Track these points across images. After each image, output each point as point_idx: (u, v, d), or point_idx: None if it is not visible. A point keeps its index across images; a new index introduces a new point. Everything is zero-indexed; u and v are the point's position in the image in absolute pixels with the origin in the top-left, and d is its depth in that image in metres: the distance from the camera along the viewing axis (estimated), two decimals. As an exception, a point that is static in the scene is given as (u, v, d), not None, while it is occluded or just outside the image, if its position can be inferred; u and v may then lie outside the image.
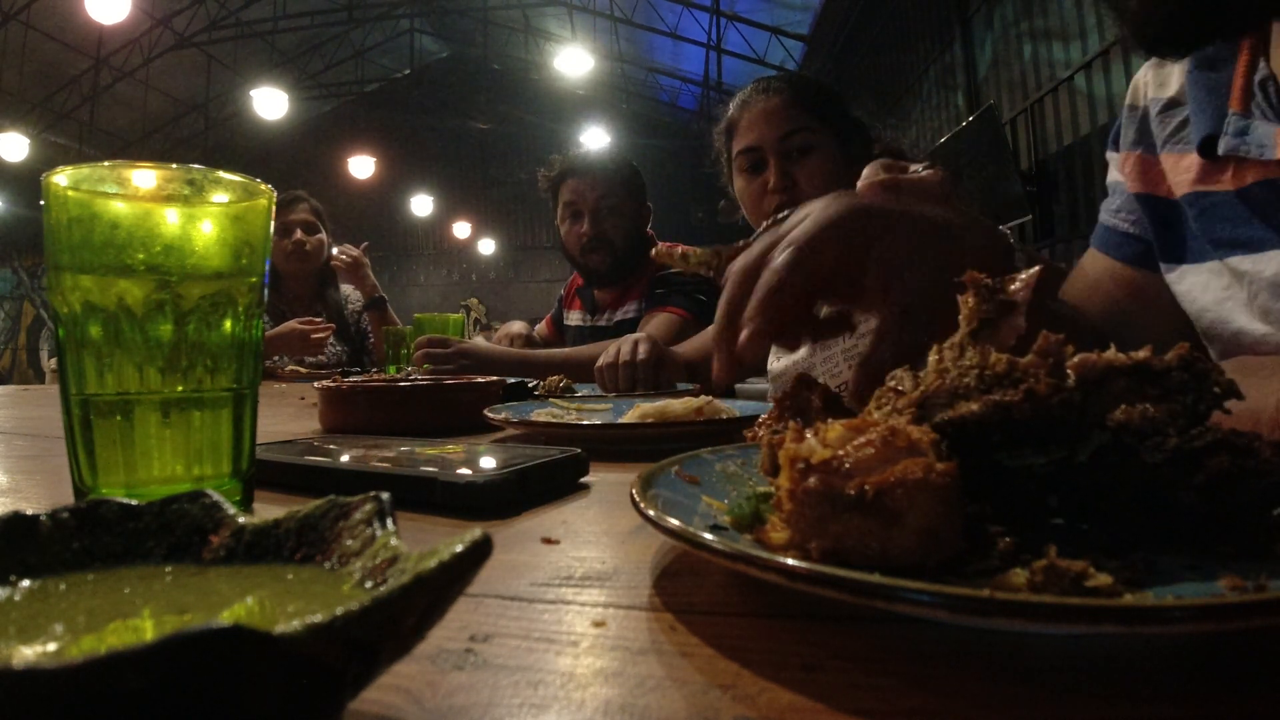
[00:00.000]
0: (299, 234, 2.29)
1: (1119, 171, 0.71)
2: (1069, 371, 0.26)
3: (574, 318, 2.04)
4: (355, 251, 2.33)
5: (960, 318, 0.30)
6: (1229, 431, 0.25)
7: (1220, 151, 0.56)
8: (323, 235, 2.37)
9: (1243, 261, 0.56)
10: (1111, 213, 0.71)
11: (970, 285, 0.30)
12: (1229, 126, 0.55)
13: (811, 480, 0.24)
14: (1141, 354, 0.26)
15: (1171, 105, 0.65)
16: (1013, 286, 0.30)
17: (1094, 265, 0.73)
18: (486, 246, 11.86)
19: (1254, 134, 0.54)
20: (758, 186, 1.25)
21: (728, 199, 1.37)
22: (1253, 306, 0.56)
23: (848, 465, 0.24)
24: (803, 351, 1.20)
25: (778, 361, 1.28)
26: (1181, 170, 0.62)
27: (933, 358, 0.30)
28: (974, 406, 0.26)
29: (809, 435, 0.26)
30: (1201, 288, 0.61)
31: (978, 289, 0.30)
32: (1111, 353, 0.27)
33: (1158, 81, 0.67)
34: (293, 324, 2.04)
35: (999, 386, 0.27)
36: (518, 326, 1.94)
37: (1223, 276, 0.59)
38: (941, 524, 0.23)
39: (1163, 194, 0.65)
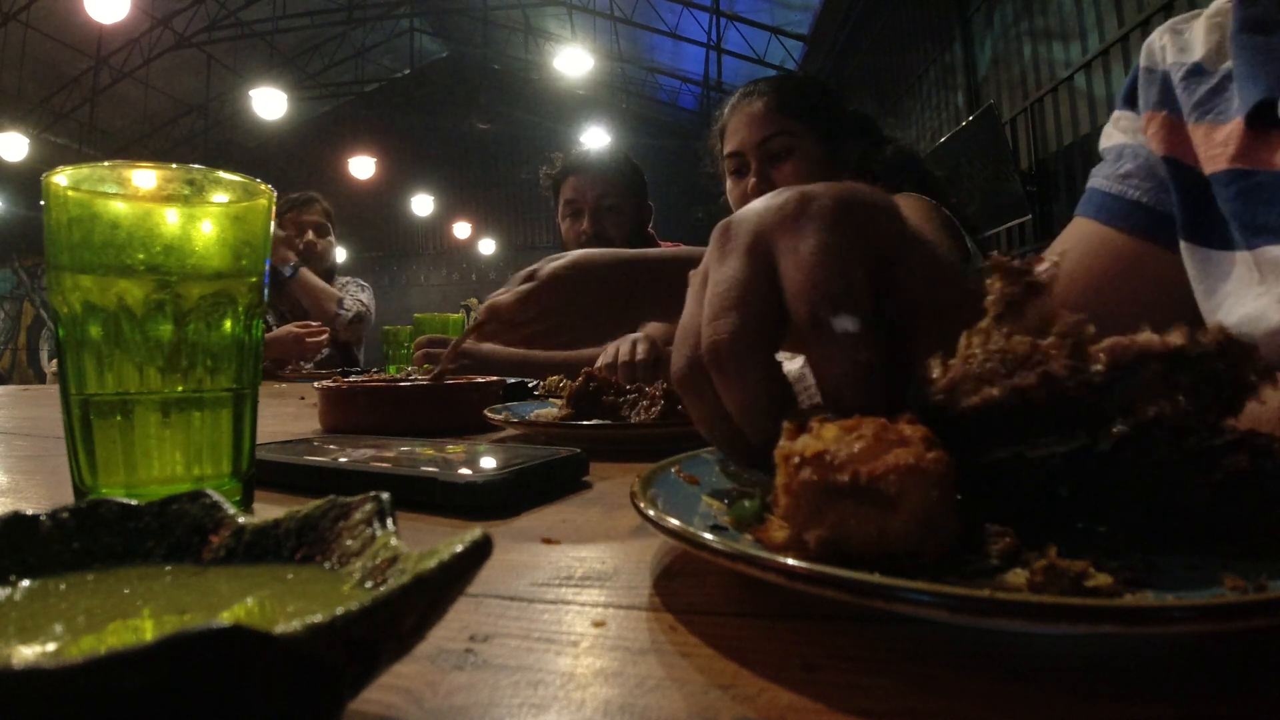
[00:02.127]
0: (310, 235, 2.29)
1: (1135, 134, 0.64)
2: (1101, 355, 0.25)
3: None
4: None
5: (987, 301, 0.29)
6: (1248, 431, 0.25)
7: None
8: (331, 238, 2.38)
9: None
10: (1118, 178, 0.64)
11: (995, 268, 0.29)
12: None
13: (805, 472, 0.24)
14: (1176, 338, 0.25)
15: (1196, 72, 0.58)
16: (1040, 268, 0.29)
17: (1086, 237, 0.65)
18: (486, 246, 11.86)
19: None
20: (741, 190, 1.29)
21: (726, 197, 1.40)
22: None
23: (841, 457, 0.24)
24: (798, 362, 1.20)
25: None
26: (1215, 144, 0.56)
27: (961, 343, 0.28)
28: (995, 391, 0.26)
29: (803, 435, 0.26)
30: (1235, 279, 0.55)
31: (1003, 270, 0.28)
32: (1146, 335, 0.25)
33: (1177, 46, 0.61)
34: (289, 327, 2.05)
35: (1020, 370, 0.26)
36: None
37: (1253, 269, 0.53)
38: (937, 509, 0.23)
39: (1190, 162, 0.58)
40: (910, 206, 1.01)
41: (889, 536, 0.23)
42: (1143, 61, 0.64)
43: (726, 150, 1.31)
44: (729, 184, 1.33)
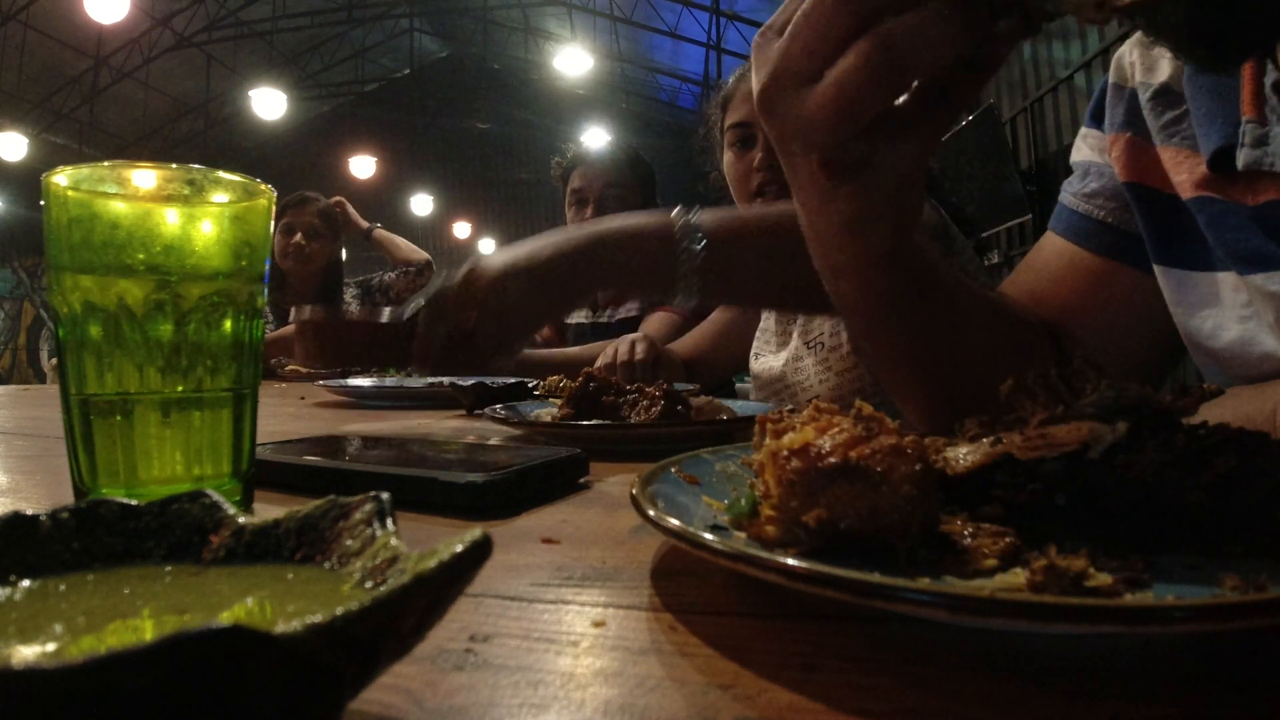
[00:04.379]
0: (299, 236, 2.29)
1: (1102, 154, 0.63)
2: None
3: (576, 316, 2.04)
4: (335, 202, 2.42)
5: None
6: (1237, 430, 0.25)
7: (1240, 165, 0.50)
8: (328, 238, 2.38)
9: (1270, 280, 0.50)
10: (1084, 197, 0.63)
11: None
12: (1245, 136, 0.50)
13: (795, 462, 0.25)
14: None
15: (1164, 93, 0.58)
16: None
17: (1056, 253, 0.65)
18: (487, 246, 11.86)
19: (1275, 143, 0.49)
20: (746, 163, 1.22)
21: (717, 171, 1.34)
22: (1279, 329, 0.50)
23: (827, 446, 0.25)
24: (784, 355, 1.20)
25: (755, 361, 1.28)
26: (1185, 170, 0.56)
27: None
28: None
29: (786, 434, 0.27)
30: (1215, 301, 0.55)
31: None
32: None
33: (1145, 64, 0.60)
34: (294, 326, 2.05)
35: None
36: None
37: (1241, 292, 0.53)
38: (921, 481, 0.24)
39: (1156, 185, 0.58)
40: None
41: (880, 512, 0.24)
42: (1111, 77, 0.64)
43: (731, 120, 1.23)
44: (729, 156, 1.25)
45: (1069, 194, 0.65)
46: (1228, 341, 0.54)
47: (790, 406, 0.31)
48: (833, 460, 0.25)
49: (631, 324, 1.78)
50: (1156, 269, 0.59)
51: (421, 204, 10.87)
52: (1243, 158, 0.50)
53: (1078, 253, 0.63)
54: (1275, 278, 0.49)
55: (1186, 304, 0.57)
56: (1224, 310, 0.54)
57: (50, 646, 0.17)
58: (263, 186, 0.39)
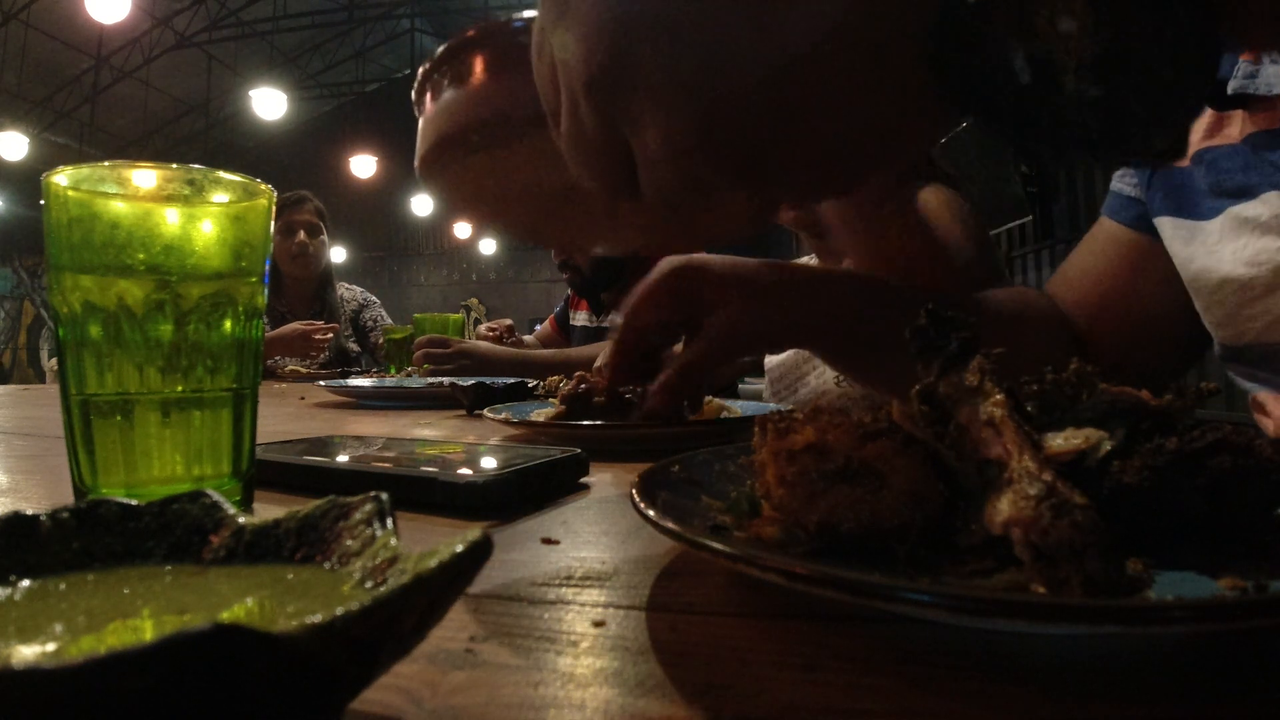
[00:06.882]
0: (302, 235, 2.28)
1: None
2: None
3: (580, 318, 2.04)
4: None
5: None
6: (1229, 431, 0.25)
7: (1229, 91, 0.58)
8: (324, 237, 2.37)
9: (1245, 209, 0.57)
10: (1118, 177, 0.74)
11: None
12: (1239, 71, 0.58)
13: (798, 463, 0.25)
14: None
15: None
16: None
17: (1100, 231, 0.75)
18: (487, 246, 11.86)
19: (1263, 75, 0.57)
20: None
21: None
22: (1242, 253, 0.58)
23: (830, 447, 0.25)
24: (790, 350, 1.19)
25: (774, 356, 1.27)
26: (1196, 135, 0.64)
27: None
28: None
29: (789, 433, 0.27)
30: (1201, 239, 0.63)
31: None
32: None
33: None
34: (295, 325, 2.04)
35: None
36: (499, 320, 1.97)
37: (1213, 233, 0.61)
38: (922, 482, 0.25)
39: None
40: (935, 198, 1.02)
41: (881, 513, 0.24)
42: None
43: None
44: None
45: (1114, 179, 0.76)
46: (1194, 272, 0.62)
47: (791, 407, 0.31)
48: (834, 462, 0.25)
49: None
50: (1162, 220, 0.67)
51: (422, 204, 10.87)
52: (1231, 86, 0.58)
53: (1115, 228, 0.73)
54: (1249, 206, 0.57)
55: (1186, 251, 0.64)
56: (1203, 251, 0.62)
57: (50, 646, 0.17)
58: (263, 186, 0.39)
